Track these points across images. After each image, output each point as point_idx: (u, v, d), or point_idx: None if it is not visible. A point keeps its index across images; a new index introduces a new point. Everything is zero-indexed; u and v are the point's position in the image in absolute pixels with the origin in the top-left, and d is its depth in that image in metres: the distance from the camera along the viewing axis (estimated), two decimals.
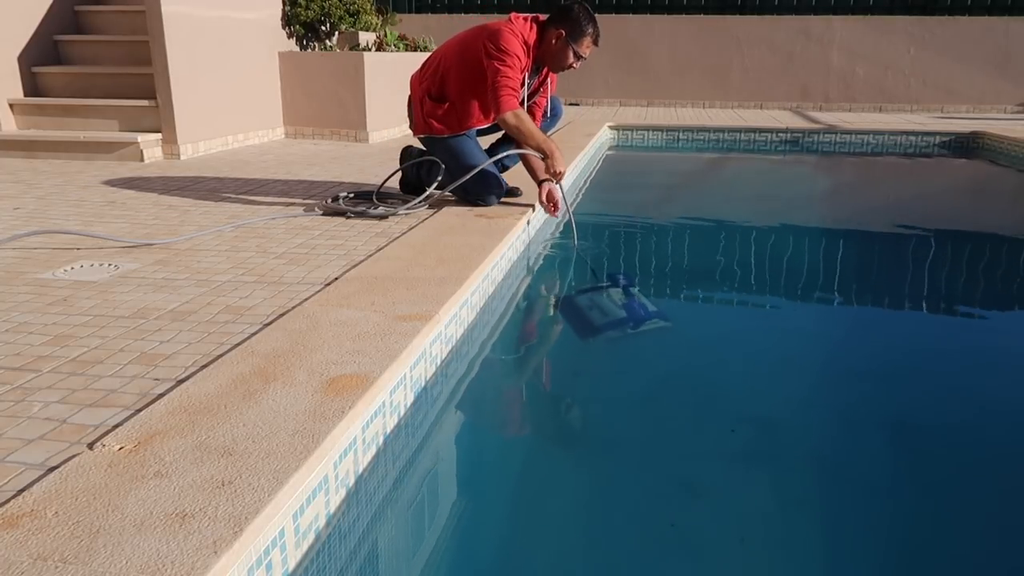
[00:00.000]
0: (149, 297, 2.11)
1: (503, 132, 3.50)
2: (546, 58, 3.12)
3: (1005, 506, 1.60)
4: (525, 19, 3.11)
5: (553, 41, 3.05)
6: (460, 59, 3.11)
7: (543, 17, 3.12)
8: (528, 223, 3.27)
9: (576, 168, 4.64)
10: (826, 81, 9.72)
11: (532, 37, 3.06)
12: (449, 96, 3.17)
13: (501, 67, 2.98)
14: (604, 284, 3.00)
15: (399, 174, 3.58)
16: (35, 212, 3.18)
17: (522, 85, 3.13)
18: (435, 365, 1.95)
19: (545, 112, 3.34)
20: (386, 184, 3.56)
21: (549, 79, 3.28)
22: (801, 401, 2.07)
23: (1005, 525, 1.54)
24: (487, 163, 3.18)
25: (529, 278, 3.02)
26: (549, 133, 3.50)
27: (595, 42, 3.07)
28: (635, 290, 2.92)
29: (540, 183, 3.20)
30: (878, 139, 7.07)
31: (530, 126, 3.04)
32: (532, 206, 3.35)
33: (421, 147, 3.52)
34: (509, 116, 3.02)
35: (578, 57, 3.07)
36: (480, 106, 3.17)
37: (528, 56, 3.06)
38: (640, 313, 2.75)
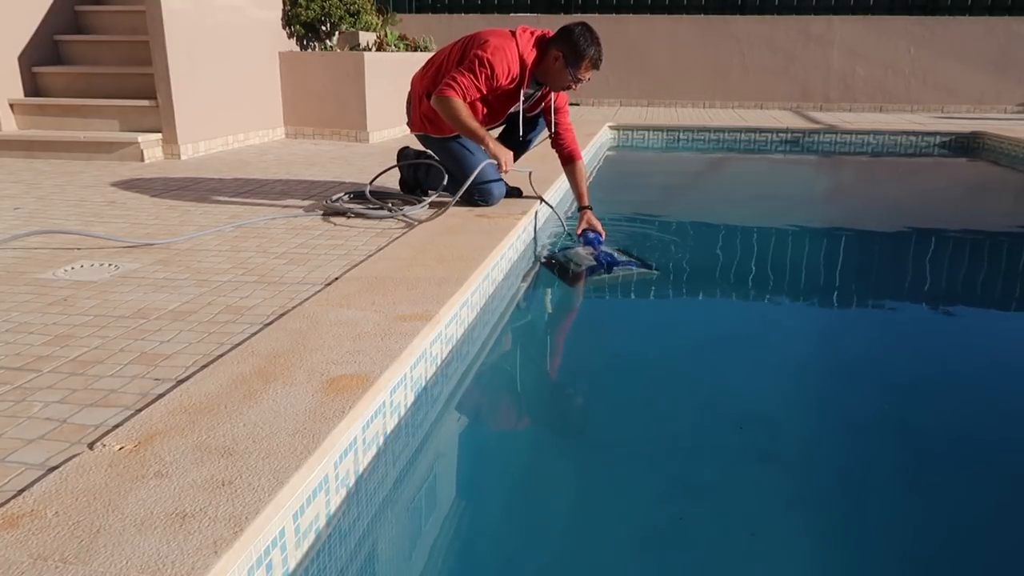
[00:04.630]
0: (149, 297, 2.11)
1: (502, 132, 3.51)
2: (546, 77, 3.10)
3: (1007, 502, 1.60)
4: (532, 34, 3.09)
5: (553, 62, 3.03)
6: (459, 65, 3.10)
7: (551, 33, 3.10)
8: (536, 215, 3.28)
9: None
10: (826, 81, 9.73)
11: (531, 55, 3.04)
12: None
13: (462, 71, 2.98)
14: (592, 254, 3.07)
15: (397, 175, 3.58)
16: (35, 212, 3.18)
17: (515, 98, 3.13)
18: (435, 365, 1.95)
19: (550, 125, 3.33)
20: (385, 185, 3.56)
21: (555, 94, 3.27)
22: (802, 399, 2.07)
23: (1007, 523, 1.54)
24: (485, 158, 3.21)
25: (530, 278, 3.02)
26: (534, 144, 3.53)
27: (595, 65, 3.03)
28: (610, 249, 3.10)
29: (581, 210, 3.25)
30: (878, 139, 7.07)
31: (456, 113, 2.98)
32: (539, 198, 3.36)
33: (417, 148, 3.53)
34: (434, 100, 3.02)
35: (577, 80, 3.05)
36: (475, 112, 3.16)
37: (513, 75, 3.03)
38: (626, 264, 3.03)
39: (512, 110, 3.22)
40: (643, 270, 3.03)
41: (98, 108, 4.88)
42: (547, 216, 3.57)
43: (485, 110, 3.19)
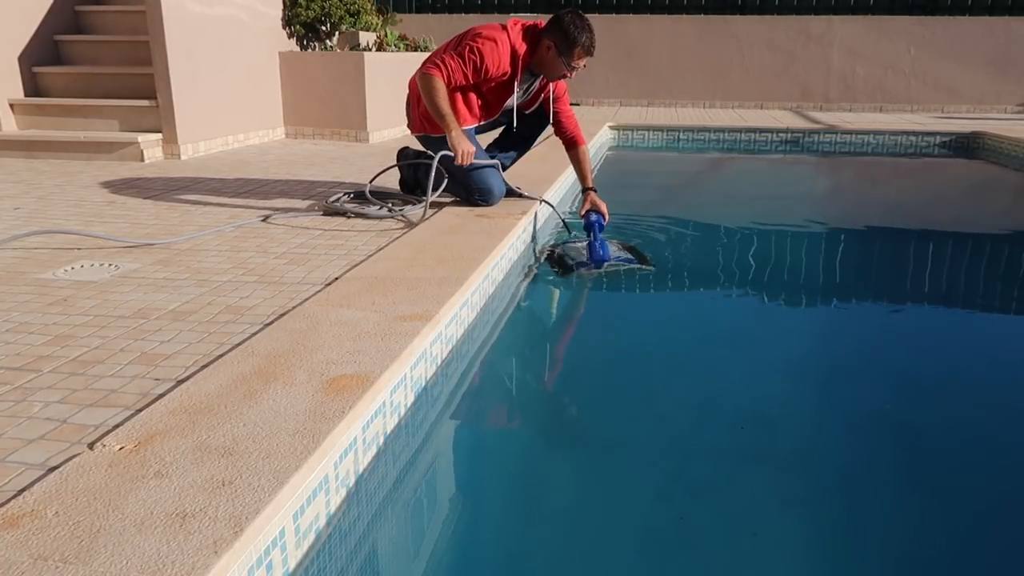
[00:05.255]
0: (149, 297, 2.11)
1: (502, 131, 3.52)
2: (541, 67, 3.12)
3: (1008, 503, 1.60)
4: (523, 26, 3.10)
5: (546, 51, 3.04)
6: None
7: (543, 24, 3.11)
8: (535, 215, 3.28)
9: None
10: (826, 81, 9.73)
11: (523, 47, 3.05)
12: None
13: (451, 55, 2.99)
14: (589, 252, 3.05)
15: (397, 175, 3.58)
16: (35, 212, 3.18)
17: (510, 91, 3.14)
18: (435, 365, 1.95)
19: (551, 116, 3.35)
20: (385, 185, 3.56)
21: (553, 84, 3.28)
22: (803, 399, 2.07)
23: (1008, 523, 1.54)
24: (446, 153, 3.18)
25: (530, 278, 3.02)
26: (535, 142, 3.55)
27: (588, 52, 3.02)
28: (610, 244, 3.09)
29: (585, 191, 3.26)
30: (878, 139, 7.07)
31: (433, 92, 2.95)
32: (540, 199, 3.36)
33: (417, 148, 3.53)
34: (417, 76, 3.02)
35: (571, 68, 3.05)
36: (469, 105, 3.18)
37: (504, 67, 3.04)
38: (624, 260, 3.04)
39: (508, 104, 3.23)
40: (640, 266, 3.04)
41: (98, 108, 4.88)
42: (547, 216, 3.57)
43: (480, 102, 3.20)
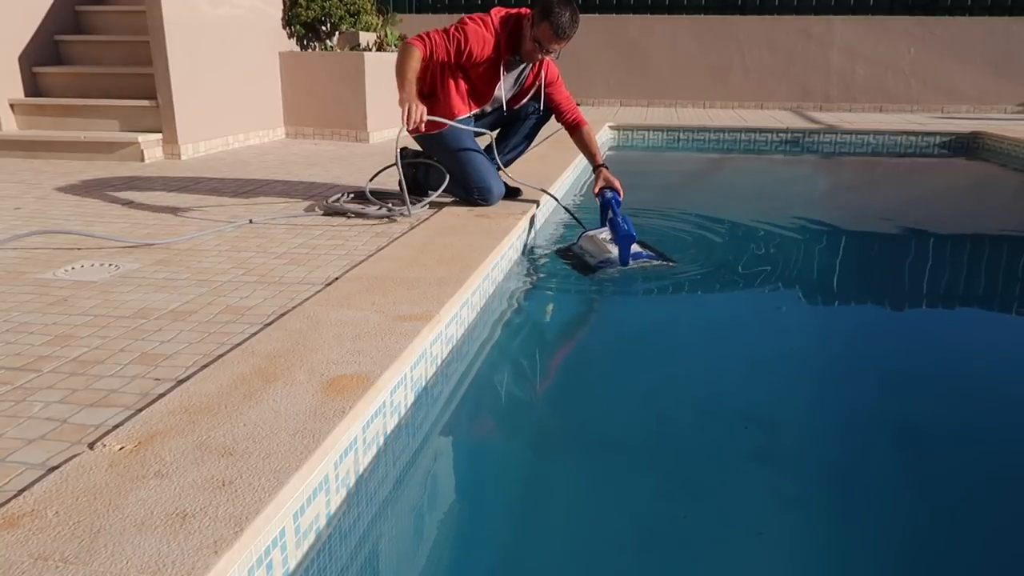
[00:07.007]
0: (150, 297, 2.11)
1: (499, 131, 3.52)
2: (523, 46, 3.11)
3: (1009, 504, 1.60)
4: (507, 12, 3.14)
5: (526, 21, 3.06)
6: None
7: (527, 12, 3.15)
8: (532, 219, 3.28)
9: (577, 168, 4.65)
10: (826, 81, 9.73)
11: (506, 32, 3.07)
12: (435, 89, 3.19)
13: (438, 31, 3.03)
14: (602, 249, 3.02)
15: (397, 174, 3.58)
16: (35, 212, 3.18)
17: (497, 76, 3.16)
18: (436, 365, 1.95)
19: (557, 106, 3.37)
20: (384, 185, 3.56)
21: (545, 71, 3.27)
22: (802, 400, 2.07)
23: (1009, 524, 1.54)
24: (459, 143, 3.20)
25: (530, 278, 3.02)
26: (533, 145, 3.56)
27: (556, 32, 2.94)
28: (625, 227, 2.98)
29: (596, 168, 3.27)
30: (878, 139, 7.07)
31: (404, 59, 2.94)
32: (536, 202, 3.36)
33: (416, 148, 3.53)
34: (401, 45, 3.03)
35: (536, 40, 3.01)
36: (460, 92, 3.19)
37: (488, 48, 3.05)
38: (636, 257, 2.95)
39: (498, 93, 3.24)
40: (661, 263, 2.99)
41: (98, 108, 4.88)
42: (547, 216, 3.58)
43: (468, 87, 3.20)
